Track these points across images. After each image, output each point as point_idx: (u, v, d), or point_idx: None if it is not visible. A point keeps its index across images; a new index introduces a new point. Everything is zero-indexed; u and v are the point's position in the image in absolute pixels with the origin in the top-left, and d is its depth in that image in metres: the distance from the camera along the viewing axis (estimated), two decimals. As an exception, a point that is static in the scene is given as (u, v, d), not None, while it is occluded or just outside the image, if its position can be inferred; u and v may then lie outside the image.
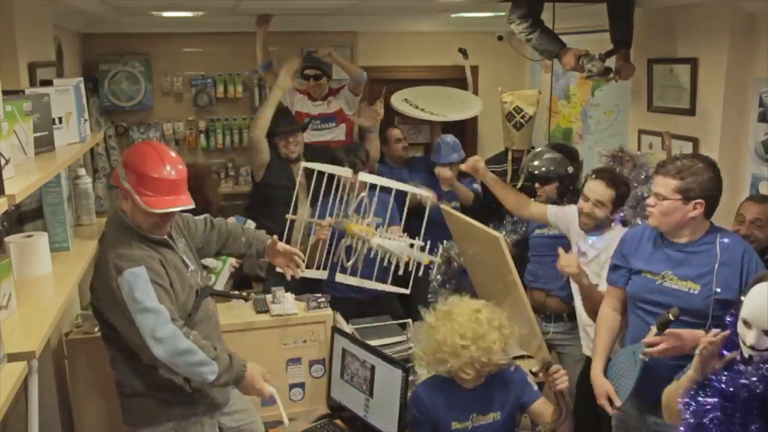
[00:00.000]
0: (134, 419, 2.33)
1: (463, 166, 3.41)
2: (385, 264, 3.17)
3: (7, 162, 1.74)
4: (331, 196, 3.28)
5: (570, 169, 3.47)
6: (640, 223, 2.95)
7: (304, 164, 3.38)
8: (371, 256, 3.19)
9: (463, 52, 5.03)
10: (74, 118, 2.51)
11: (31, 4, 2.76)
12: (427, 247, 3.17)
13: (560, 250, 2.83)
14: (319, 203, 3.28)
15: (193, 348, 2.12)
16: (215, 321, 2.48)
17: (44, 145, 2.26)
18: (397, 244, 3.14)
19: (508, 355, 2.42)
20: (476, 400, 2.45)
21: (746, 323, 1.78)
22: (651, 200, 2.36)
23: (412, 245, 3.15)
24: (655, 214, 2.36)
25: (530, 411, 2.50)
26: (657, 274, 2.39)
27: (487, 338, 2.31)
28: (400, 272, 3.14)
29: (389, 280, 3.16)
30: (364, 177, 3.27)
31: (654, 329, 2.24)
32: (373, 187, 3.23)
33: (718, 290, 2.25)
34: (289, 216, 3.25)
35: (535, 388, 2.54)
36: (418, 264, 3.13)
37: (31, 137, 2.09)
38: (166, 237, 2.32)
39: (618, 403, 2.34)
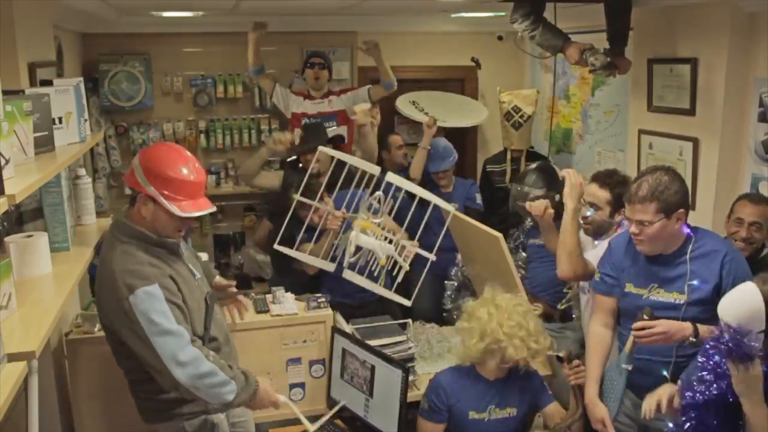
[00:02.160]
0: (150, 417, 2.32)
1: (534, 209, 3.17)
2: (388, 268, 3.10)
3: (7, 162, 1.74)
4: (351, 189, 3.22)
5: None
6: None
7: (327, 150, 3.28)
8: (341, 246, 3.01)
9: (476, 62, 5.03)
10: (74, 118, 2.51)
11: (31, 4, 2.76)
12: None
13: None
14: (335, 194, 3.20)
15: (214, 369, 2.09)
16: (224, 325, 2.47)
17: (44, 145, 2.25)
18: (374, 241, 2.95)
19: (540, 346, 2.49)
20: (496, 392, 2.53)
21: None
22: (634, 228, 2.35)
23: (391, 241, 2.99)
24: (645, 241, 2.37)
25: (543, 413, 2.58)
26: (643, 288, 2.43)
27: (532, 329, 2.44)
28: (375, 271, 2.93)
29: (394, 287, 3.08)
30: (391, 178, 3.05)
31: (632, 338, 2.28)
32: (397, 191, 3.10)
33: (694, 297, 2.31)
34: (296, 196, 3.04)
35: (550, 392, 2.60)
36: (399, 267, 3.05)
37: (31, 137, 2.09)
38: (177, 242, 2.27)
39: (611, 431, 2.38)
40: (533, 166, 3.77)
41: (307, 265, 3.15)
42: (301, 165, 3.87)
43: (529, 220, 3.70)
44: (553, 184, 3.58)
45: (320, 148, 3.29)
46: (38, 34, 2.95)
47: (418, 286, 3.05)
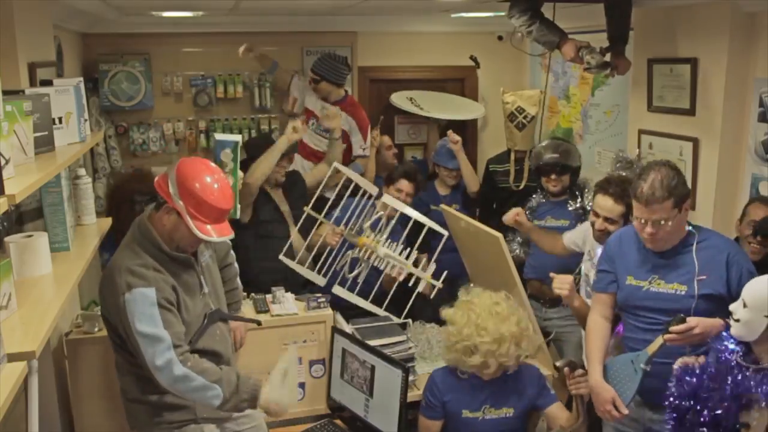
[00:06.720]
0: (136, 423, 2.34)
1: (505, 220, 3.32)
2: (384, 269, 3.11)
3: (7, 162, 1.74)
4: (352, 206, 3.17)
5: (579, 162, 3.64)
6: None
7: (335, 165, 3.33)
8: (376, 264, 3.11)
9: (474, 60, 5.02)
10: (74, 118, 2.51)
11: (31, 4, 2.75)
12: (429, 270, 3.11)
13: (552, 275, 2.85)
14: (338, 210, 3.22)
15: (189, 374, 2.12)
16: (227, 344, 2.46)
17: (44, 145, 2.25)
18: (402, 259, 3.09)
19: (524, 351, 2.46)
20: (491, 392, 2.51)
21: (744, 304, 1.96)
22: (650, 229, 2.31)
23: (416, 264, 3.11)
24: (663, 238, 2.35)
25: (545, 414, 2.54)
26: (643, 280, 2.42)
27: (504, 331, 2.38)
28: (400, 278, 3.06)
29: (385, 304, 3.10)
30: (388, 200, 3.16)
31: (661, 339, 2.26)
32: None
33: (703, 292, 2.30)
34: (307, 209, 3.19)
35: (552, 392, 2.56)
36: (415, 284, 3.08)
37: (31, 137, 2.09)
38: (189, 258, 2.31)
39: (624, 410, 2.33)
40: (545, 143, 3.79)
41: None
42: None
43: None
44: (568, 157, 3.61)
45: (336, 165, 3.32)
46: (38, 34, 2.94)
47: (409, 304, 3.08)
